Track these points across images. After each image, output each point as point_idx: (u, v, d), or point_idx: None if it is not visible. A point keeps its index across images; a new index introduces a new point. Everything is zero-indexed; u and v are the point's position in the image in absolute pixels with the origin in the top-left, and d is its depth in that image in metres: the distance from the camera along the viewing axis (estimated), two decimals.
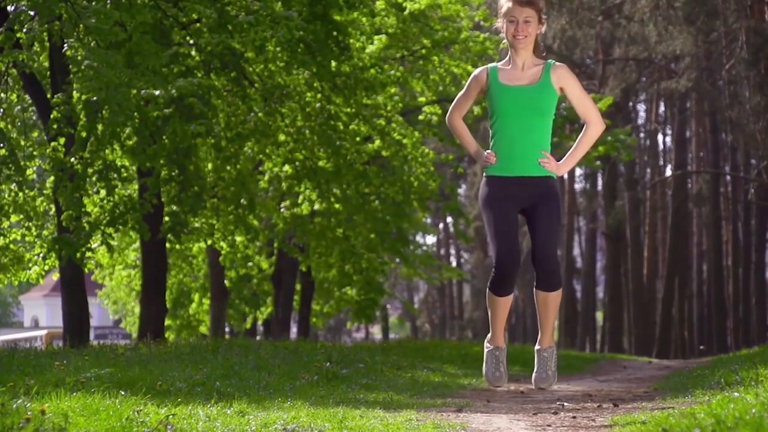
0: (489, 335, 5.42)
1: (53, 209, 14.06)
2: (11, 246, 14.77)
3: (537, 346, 5.37)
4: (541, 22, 5.23)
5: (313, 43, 12.51)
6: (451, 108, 5.53)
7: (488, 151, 5.29)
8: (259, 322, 26.32)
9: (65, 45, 10.69)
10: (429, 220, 42.89)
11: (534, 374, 5.33)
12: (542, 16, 5.24)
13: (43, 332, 32.95)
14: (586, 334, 38.78)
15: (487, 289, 5.27)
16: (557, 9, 28.02)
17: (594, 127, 5.32)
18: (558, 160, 5.36)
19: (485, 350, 5.39)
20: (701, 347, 32.75)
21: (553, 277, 5.29)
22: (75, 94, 10.80)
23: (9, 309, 64.57)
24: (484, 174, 5.33)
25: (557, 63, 5.28)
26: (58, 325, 27.73)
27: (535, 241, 5.25)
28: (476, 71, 5.40)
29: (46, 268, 14.08)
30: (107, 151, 11.68)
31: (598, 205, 37.25)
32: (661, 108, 38.14)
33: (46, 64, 13.67)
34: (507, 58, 5.34)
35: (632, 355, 28.11)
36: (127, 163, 12.86)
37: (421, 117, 17.34)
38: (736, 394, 5.32)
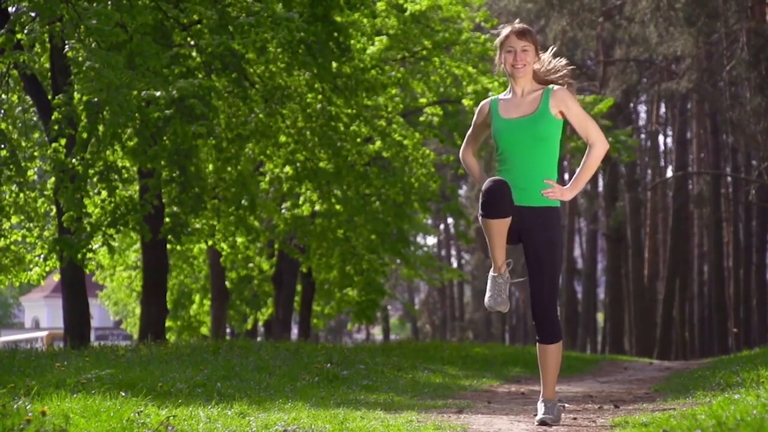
0: (492, 266, 5.40)
1: (54, 210, 14.06)
2: (12, 247, 14.76)
3: (540, 399, 5.33)
4: (538, 54, 5.29)
5: (313, 45, 12.51)
6: (462, 146, 5.62)
7: (496, 177, 5.30)
8: (260, 323, 26.32)
9: (66, 46, 10.69)
10: (429, 221, 42.88)
11: (537, 416, 5.34)
12: (539, 49, 5.32)
13: (44, 333, 32.95)
14: (586, 335, 38.77)
15: (480, 218, 5.14)
16: (558, 10, 28.01)
17: (596, 148, 5.32)
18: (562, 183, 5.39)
19: (489, 278, 5.38)
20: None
21: (549, 330, 5.26)
22: (76, 95, 10.80)
23: (10, 310, 64.56)
24: None
25: (556, 87, 5.30)
26: (59, 326, 27.75)
27: (533, 293, 5.27)
28: (480, 104, 5.48)
29: (47, 269, 14.08)
30: (108, 152, 11.68)
31: (599, 206, 37.23)
32: (662, 109, 38.14)
33: (47, 65, 13.67)
34: (508, 88, 5.39)
35: (633, 356, 28.10)
36: (128, 164, 12.87)
37: (421, 118, 17.34)
38: (737, 395, 5.32)
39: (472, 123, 5.53)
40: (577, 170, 5.36)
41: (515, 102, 5.30)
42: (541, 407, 5.30)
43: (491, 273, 5.37)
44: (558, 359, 5.30)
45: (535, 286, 5.26)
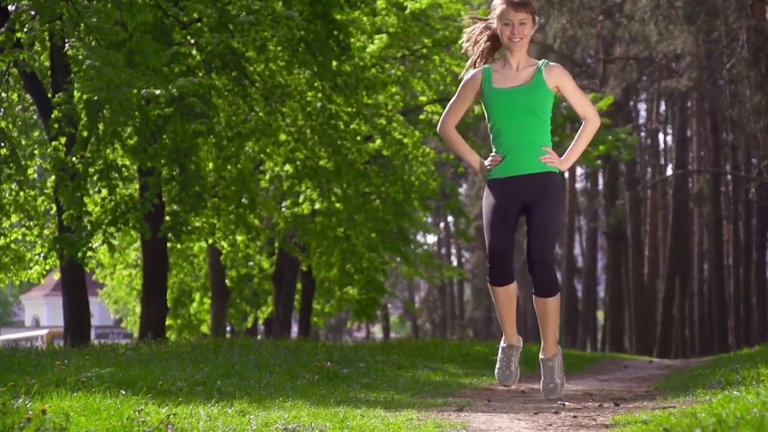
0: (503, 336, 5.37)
1: (54, 209, 14.06)
2: (12, 245, 14.76)
3: (541, 356, 5.23)
4: (535, 23, 5.26)
5: (313, 43, 12.51)
6: (444, 115, 5.43)
7: (492, 153, 5.28)
8: (260, 322, 26.32)
9: (66, 44, 10.69)
10: (429, 220, 42.89)
11: (541, 385, 5.24)
12: (536, 17, 5.28)
13: (44, 332, 32.96)
14: (587, 334, 38.77)
15: (488, 284, 5.21)
16: (558, 8, 28.00)
17: (591, 123, 5.37)
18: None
19: (499, 349, 5.35)
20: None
21: (547, 282, 5.19)
22: (76, 94, 10.80)
23: (10, 308, 64.57)
24: (487, 178, 5.30)
25: (551, 63, 5.31)
26: (59, 325, 27.73)
27: (529, 244, 5.19)
28: (471, 72, 5.36)
29: (47, 267, 14.06)
30: (108, 151, 11.68)
31: (599, 205, 37.23)
32: (662, 107, 38.13)
33: (47, 63, 13.67)
34: (501, 59, 5.34)
35: (633, 354, 28.09)
36: (128, 163, 12.86)
37: (421, 116, 17.34)
38: (737, 393, 5.32)
39: (459, 90, 5.38)
40: (573, 143, 5.36)
41: (510, 75, 5.25)
42: (542, 371, 5.15)
43: (501, 344, 5.34)
44: (557, 312, 5.20)
45: (532, 234, 5.18)
